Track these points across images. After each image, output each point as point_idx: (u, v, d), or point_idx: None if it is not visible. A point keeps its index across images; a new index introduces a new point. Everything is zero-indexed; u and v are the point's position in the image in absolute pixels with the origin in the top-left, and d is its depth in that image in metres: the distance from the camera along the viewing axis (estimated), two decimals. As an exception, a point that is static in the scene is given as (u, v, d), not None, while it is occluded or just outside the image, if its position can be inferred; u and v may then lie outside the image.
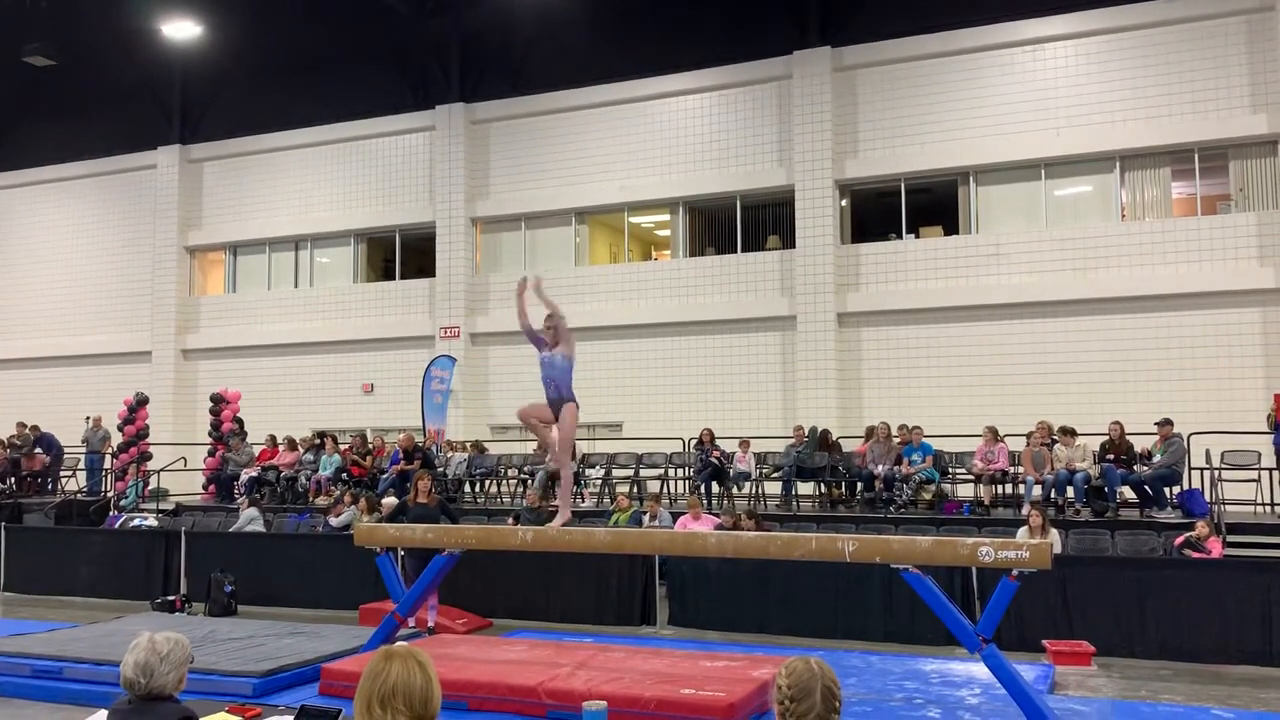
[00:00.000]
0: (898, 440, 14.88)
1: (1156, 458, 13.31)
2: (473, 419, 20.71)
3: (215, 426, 19.72)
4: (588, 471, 16.77)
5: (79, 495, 19.63)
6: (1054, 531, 11.34)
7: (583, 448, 17.36)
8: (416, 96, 22.04)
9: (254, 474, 17.70)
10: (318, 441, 17.95)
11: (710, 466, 15.49)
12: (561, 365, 7.87)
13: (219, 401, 19.85)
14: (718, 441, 15.81)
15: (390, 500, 13.84)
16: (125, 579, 13.96)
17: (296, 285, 23.47)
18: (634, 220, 21.20)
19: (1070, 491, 13.44)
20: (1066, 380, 16.66)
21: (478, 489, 17.75)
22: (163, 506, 18.12)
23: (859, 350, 18.38)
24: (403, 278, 22.53)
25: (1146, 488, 13.22)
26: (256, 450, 18.57)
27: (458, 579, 10.86)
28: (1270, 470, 13.57)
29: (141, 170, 24.75)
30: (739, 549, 8.35)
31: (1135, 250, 16.78)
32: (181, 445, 20.67)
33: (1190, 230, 16.59)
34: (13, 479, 19.83)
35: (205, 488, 19.46)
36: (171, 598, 12.85)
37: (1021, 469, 13.98)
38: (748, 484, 15.74)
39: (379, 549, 8.75)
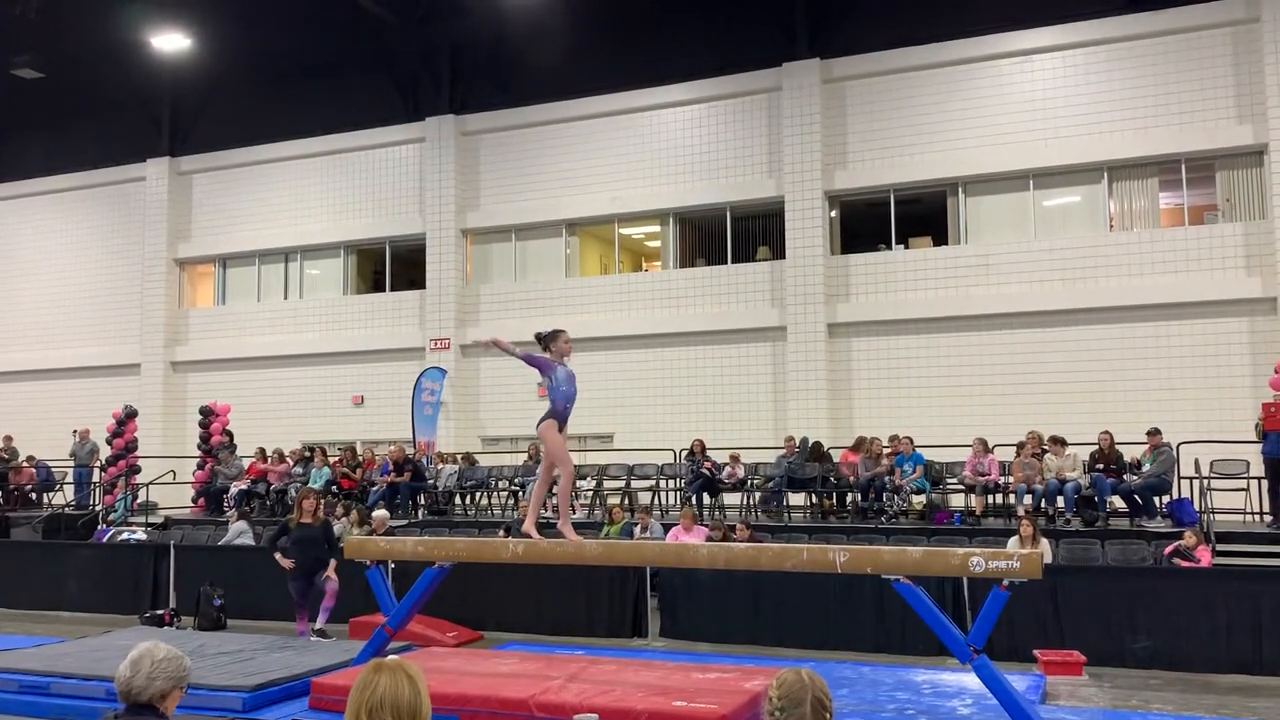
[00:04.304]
0: (888, 450, 14.90)
1: (1146, 467, 13.36)
2: (463, 431, 20.67)
3: (204, 439, 19.65)
4: (579, 483, 16.74)
5: (67, 509, 19.53)
6: (1044, 541, 11.35)
7: (574, 459, 17.34)
8: (406, 108, 22.05)
9: (243, 487, 17.63)
10: (307, 454, 17.90)
11: (701, 478, 15.49)
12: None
13: (208, 414, 19.78)
14: (709, 452, 15.81)
15: (381, 514, 13.80)
16: (113, 593, 13.88)
17: (286, 297, 23.42)
18: (624, 231, 21.22)
19: (1060, 501, 13.47)
20: (1056, 390, 16.69)
21: (468, 501, 17.71)
22: (151, 520, 18.02)
23: (849, 361, 18.41)
24: (393, 289, 22.49)
25: (1136, 497, 13.27)
26: (246, 463, 18.49)
27: (448, 592, 10.81)
28: (1259, 479, 13.61)
29: (130, 182, 24.70)
30: (730, 560, 8.34)
31: (1123, 260, 16.86)
32: (170, 458, 20.57)
33: (1178, 240, 16.68)
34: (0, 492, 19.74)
35: (194, 501, 19.37)
36: (160, 611, 12.77)
37: (1012, 479, 14.00)
38: (739, 495, 15.73)
39: (369, 562, 8.71)
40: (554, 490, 8.69)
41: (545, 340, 7.61)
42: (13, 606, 14.32)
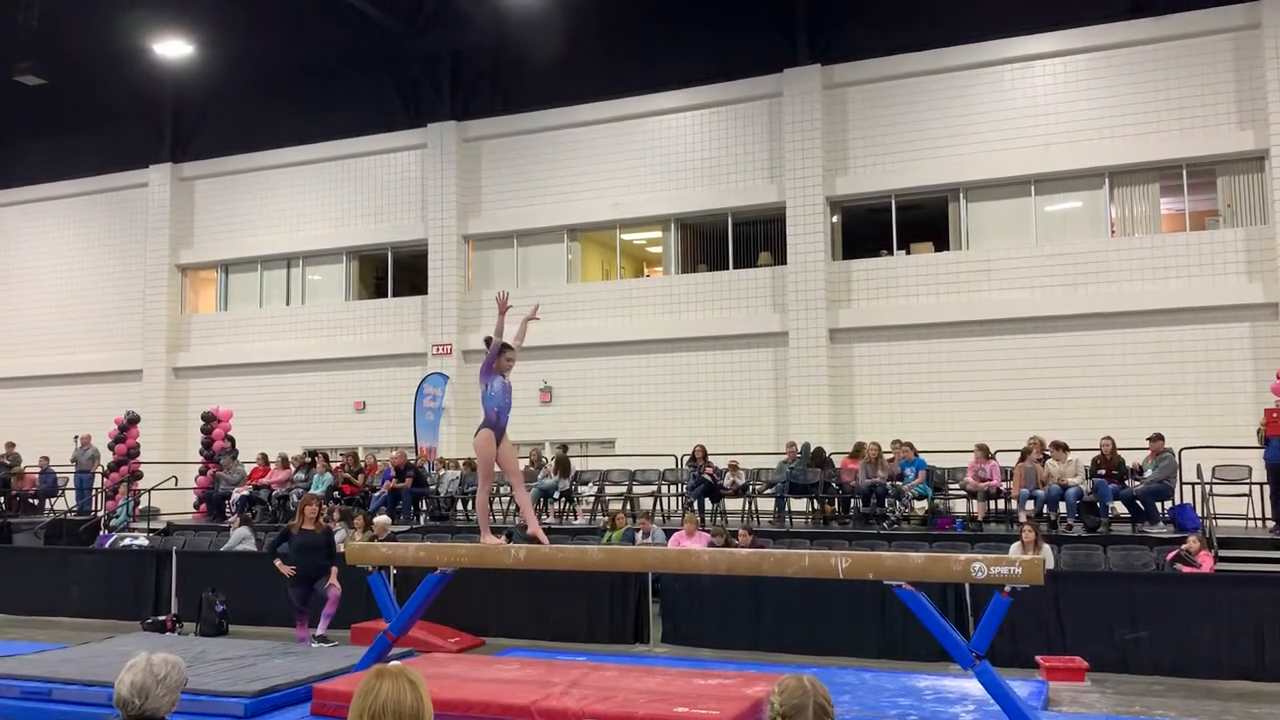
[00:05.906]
0: (890, 457, 14.88)
1: (1148, 473, 13.34)
2: (465, 436, 20.60)
3: (206, 445, 19.65)
4: (580, 488, 16.76)
5: (69, 515, 19.53)
6: (1046, 547, 11.35)
7: (576, 464, 17.36)
8: (408, 114, 22.09)
9: (245, 493, 17.63)
10: (309, 460, 17.90)
11: (703, 483, 15.47)
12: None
13: (210, 420, 19.78)
14: (710, 458, 15.80)
15: (383, 519, 13.79)
16: (115, 599, 13.88)
17: (288, 303, 23.44)
18: (626, 237, 21.24)
19: (1063, 507, 13.45)
20: (1058, 395, 16.69)
21: (470, 507, 17.68)
22: (153, 526, 18.02)
23: (851, 366, 18.41)
24: (395, 295, 22.52)
25: (1138, 502, 13.25)
26: (248, 469, 18.51)
27: (450, 598, 10.81)
28: (1261, 485, 13.59)
29: (133, 188, 24.74)
30: (732, 566, 8.33)
31: (1124, 266, 16.86)
32: (173, 464, 20.58)
33: (1179, 246, 16.68)
34: (2, 498, 19.72)
35: (196, 507, 19.38)
36: (162, 617, 12.77)
37: (1014, 484, 13.98)
38: (740, 501, 15.72)
39: (370, 567, 8.71)
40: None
41: (495, 348, 7.68)
42: (14, 612, 14.31)
